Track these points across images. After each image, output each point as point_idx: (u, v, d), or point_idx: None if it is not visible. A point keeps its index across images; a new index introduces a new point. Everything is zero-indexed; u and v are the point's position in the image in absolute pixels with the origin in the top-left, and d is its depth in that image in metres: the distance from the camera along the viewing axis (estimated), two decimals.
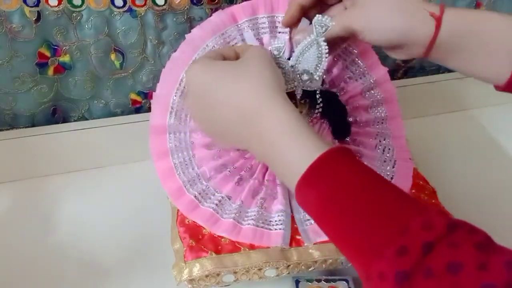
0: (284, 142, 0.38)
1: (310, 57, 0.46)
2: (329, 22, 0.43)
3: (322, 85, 0.51)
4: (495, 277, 0.28)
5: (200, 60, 0.43)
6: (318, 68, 0.47)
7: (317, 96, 0.51)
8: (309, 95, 0.51)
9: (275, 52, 0.46)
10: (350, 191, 0.35)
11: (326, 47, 0.45)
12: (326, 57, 0.46)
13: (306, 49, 0.46)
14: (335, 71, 0.57)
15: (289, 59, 0.47)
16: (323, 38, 0.45)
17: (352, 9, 0.45)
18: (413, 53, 0.45)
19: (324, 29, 0.44)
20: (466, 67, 0.45)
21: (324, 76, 0.48)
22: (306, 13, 0.49)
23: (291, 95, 0.49)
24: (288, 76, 0.47)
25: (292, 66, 0.47)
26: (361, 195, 0.34)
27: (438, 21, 0.42)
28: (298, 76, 0.47)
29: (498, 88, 0.44)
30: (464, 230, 0.31)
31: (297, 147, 0.37)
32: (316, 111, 0.53)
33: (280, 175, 0.41)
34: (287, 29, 0.52)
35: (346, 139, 0.57)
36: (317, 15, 0.44)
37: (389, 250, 0.30)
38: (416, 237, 0.30)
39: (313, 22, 0.44)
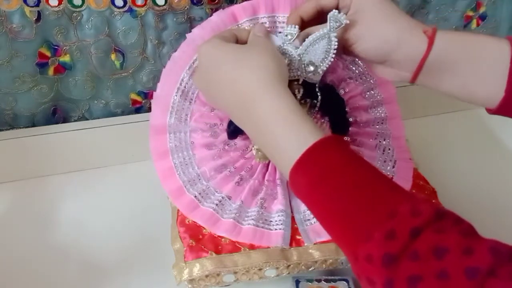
0: (279, 129, 0.39)
1: (319, 50, 0.47)
2: (343, 20, 0.44)
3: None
4: (479, 261, 0.28)
5: (212, 39, 0.45)
6: (324, 61, 0.47)
7: (316, 90, 0.51)
8: (308, 91, 0.51)
9: (289, 37, 0.47)
10: (340, 176, 0.36)
11: (336, 42, 0.46)
12: (334, 53, 0.46)
13: (317, 41, 0.46)
14: (335, 71, 0.57)
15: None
16: (335, 34, 0.45)
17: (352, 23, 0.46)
18: (401, 73, 0.46)
19: (337, 24, 0.44)
20: (457, 90, 0.45)
21: (324, 69, 0.48)
22: (305, 26, 0.50)
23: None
24: (293, 65, 0.48)
25: (299, 55, 0.47)
26: (350, 180, 0.35)
27: (431, 38, 0.43)
28: (303, 66, 0.48)
29: (490, 111, 0.45)
30: (451, 219, 0.32)
31: (292, 135, 0.38)
32: (318, 103, 0.52)
33: (275, 161, 0.43)
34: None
35: (346, 138, 0.57)
36: (334, 10, 0.44)
37: (377, 233, 0.31)
38: (404, 222, 0.31)
39: (328, 16, 0.45)
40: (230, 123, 0.54)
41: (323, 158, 0.36)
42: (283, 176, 0.55)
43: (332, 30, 0.45)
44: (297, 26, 0.47)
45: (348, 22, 0.44)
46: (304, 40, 0.47)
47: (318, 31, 0.46)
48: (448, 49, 0.43)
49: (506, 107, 0.43)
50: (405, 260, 0.30)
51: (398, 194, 0.34)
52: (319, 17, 0.48)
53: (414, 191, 0.57)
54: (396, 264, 0.30)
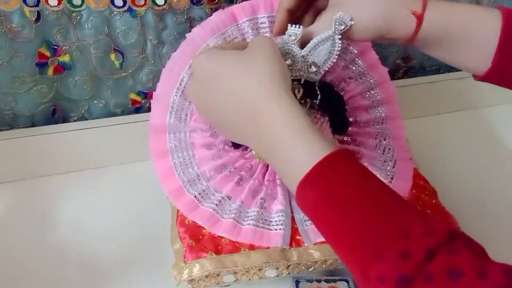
0: (287, 141, 0.37)
1: (323, 52, 0.47)
2: (348, 21, 0.44)
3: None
4: (494, 285, 0.28)
5: (207, 49, 0.44)
6: (326, 63, 0.47)
7: (316, 89, 0.51)
8: (307, 91, 0.51)
9: (292, 37, 0.46)
10: (350, 191, 0.34)
11: (340, 45, 0.46)
12: (337, 54, 0.47)
13: (322, 43, 0.46)
14: (335, 71, 0.57)
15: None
16: (339, 36, 0.45)
17: (337, 8, 0.45)
18: (394, 42, 0.47)
19: (343, 26, 0.44)
20: (446, 58, 0.46)
21: (325, 69, 0.48)
22: (296, 19, 0.49)
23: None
24: (296, 65, 0.48)
25: (303, 56, 0.47)
26: (361, 196, 0.34)
27: (419, 19, 0.43)
28: (306, 67, 0.48)
29: (477, 77, 0.45)
30: (462, 240, 0.31)
31: (300, 148, 0.37)
32: (317, 101, 0.52)
33: (281, 174, 0.41)
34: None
35: (346, 138, 0.57)
36: (340, 13, 0.44)
37: (389, 253, 0.30)
38: (418, 242, 0.30)
39: (333, 19, 0.44)
40: None
41: (333, 173, 0.35)
42: None
43: (337, 32, 0.45)
44: (301, 27, 0.46)
45: (353, 23, 0.44)
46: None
47: (322, 32, 0.46)
48: (437, 26, 0.43)
49: (493, 76, 0.44)
50: (419, 282, 0.29)
51: (410, 212, 0.33)
52: (308, 7, 0.48)
53: (414, 191, 0.57)
54: (410, 286, 0.29)
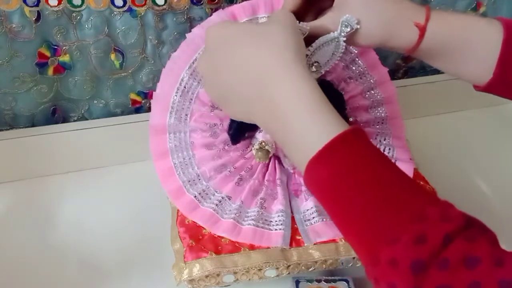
0: (299, 113, 0.35)
1: (327, 53, 0.46)
2: (354, 24, 0.44)
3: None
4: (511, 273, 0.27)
5: (222, 21, 0.42)
6: (328, 63, 0.47)
7: None
8: None
9: None
10: (365, 171, 0.33)
11: (344, 47, 0.46)
12: (339, 56, 0.47)
13: (326, 44, 0.46)
14: (335, 71, 0.57)
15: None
16: (344, 38, 0.45)
17: (339, 11, 0.45)
18: (396, 51, 0.47)
19: (348, 29, 0.44)
20: (447, 69, 0.46)
21: (326, 69, 0.48)
22: (298, 19, 0.49)
23: None
24: None
25: (306, 55, 0.47)
26: (376, 176, 0.33)
27: (422, 31, 0.43)
28: (308, 65, 0.48)
29: (477, 88, 0.45)
30: (478, 227, 0.31)
31: (313, 122, 0.35)
32: None
33: (288, 149, 0.38)
34: None
35: None
36: (347, 15, 0.44)
37: (405, 236, 0.29)
38: (435, 227, 0.29)
39: (340, 20, 0.44)
40: (230, 127, 0.53)
41: (345, 152, 0.33)
42: (283, 176, 0.55)
43: (342, 34, 0.45)
44: (309, 25, 0.46)
45: (358, 27, 0.44)
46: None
47: (324, 30, 0.46)
48: (438, 38, 0.43)
49: (494, 87, 0.44)
50: (434, 268, 0.28)
51: (425, 196, 0.32)
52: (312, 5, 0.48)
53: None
54: (425, 272, 0.28)
